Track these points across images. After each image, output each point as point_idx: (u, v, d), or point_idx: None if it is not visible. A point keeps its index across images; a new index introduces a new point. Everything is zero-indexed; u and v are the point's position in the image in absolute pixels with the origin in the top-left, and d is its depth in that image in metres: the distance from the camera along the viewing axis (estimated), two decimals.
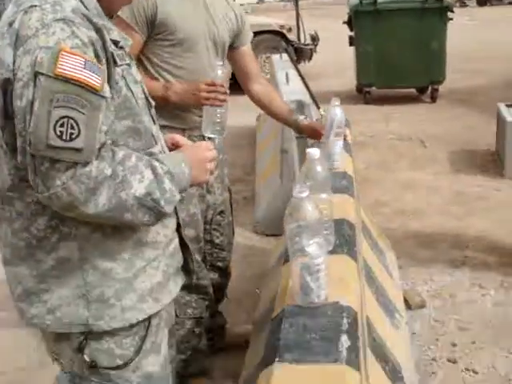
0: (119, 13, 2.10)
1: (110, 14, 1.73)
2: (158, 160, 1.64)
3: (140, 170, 1.57)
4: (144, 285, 1.74)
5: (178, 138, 1.98)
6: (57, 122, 1.43)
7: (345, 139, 2.86)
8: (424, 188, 5.95)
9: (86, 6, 1.60)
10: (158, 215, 1.64)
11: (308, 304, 1.72)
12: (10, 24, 1.52)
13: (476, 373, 3.16)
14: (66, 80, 1.44)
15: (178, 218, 1.91)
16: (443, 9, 9.30)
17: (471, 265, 4.26)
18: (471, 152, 6.94)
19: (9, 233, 1.67)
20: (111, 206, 1.52)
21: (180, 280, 1.91)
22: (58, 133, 1.43)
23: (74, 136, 1.44)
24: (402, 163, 6.78)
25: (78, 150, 1.45)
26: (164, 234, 1.80)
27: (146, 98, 1.78)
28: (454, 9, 9.74)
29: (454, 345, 3.40)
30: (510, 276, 4.06)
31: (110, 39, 1.62)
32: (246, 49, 3.04)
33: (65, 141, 1.44)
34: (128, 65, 1.70)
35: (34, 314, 1.69)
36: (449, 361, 3.26)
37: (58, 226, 1.63)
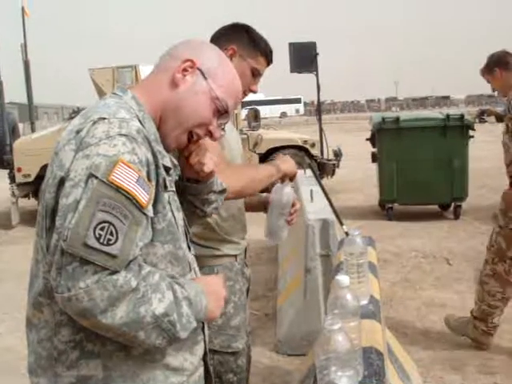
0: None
1: (164, 146, 1.78)
2: (178, 284, 1.62)
3: (162, 290, 1.55)
4: None
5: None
6: (98, 224, 1.45)
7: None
8: (449, 308, 5.81)
9: (147, 131, 1.67)
10: (171, 339, 1.59)
11: None
12: (78, 132, 1.59)
13: None
14: (117, 188, 1.48)
15: (205, 347, 1.87)
16: (464, 127, 9.50)
17: None
18: None
19: (35, 340, 1.66)
20: (128, 321, 1.48)
21: None
22: (97, 235, 1.45)
23: (111, 242, 1.46)
24: (426, 282, 6.69)
25: (112, 256, 1.46)
26: (191, 361, 1.76)
27: (186, 226, 1.83)
28: (474, 125, 9.88)
29: None
30: None
31: (162, 164, 1.68)
32: None
33: (102, 244, 1.45)
34: (173, 192, 1.76)
35: None
36: None
37: (81, 341, 1.59)
